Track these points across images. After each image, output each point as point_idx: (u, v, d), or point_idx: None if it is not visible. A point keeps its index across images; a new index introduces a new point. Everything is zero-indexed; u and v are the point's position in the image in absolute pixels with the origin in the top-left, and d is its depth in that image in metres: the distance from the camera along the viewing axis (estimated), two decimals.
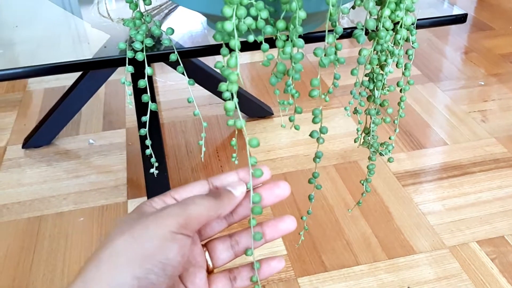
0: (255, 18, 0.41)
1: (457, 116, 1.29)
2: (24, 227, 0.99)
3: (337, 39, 0.45)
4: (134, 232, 0.34)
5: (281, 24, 0.43)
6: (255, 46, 0.45)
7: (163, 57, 0.57)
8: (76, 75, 1.21)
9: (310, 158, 1.15)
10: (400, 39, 0.50)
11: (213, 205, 0.36)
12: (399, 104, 0.56)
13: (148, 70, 0.51)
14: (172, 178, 1.10)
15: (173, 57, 0.52)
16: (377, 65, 0.51)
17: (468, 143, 1.19)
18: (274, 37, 0.44)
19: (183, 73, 0.52)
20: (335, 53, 0.45)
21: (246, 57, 1.58)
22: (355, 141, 0.57)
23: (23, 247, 0.95)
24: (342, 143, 1.19)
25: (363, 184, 0.60)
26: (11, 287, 0.87)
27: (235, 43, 0.39)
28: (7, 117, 1.35)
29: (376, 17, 0.48)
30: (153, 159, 0.57)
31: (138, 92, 0.85)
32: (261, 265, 0.40)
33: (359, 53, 0.48)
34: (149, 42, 0.52)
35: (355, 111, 0.55)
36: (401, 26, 0.49)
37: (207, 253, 0.40)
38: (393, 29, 0.49)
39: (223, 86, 0.38)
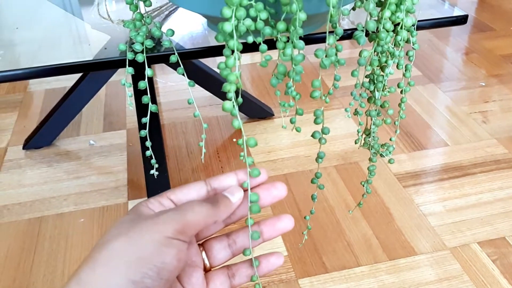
0: (255, 19, 0.41)
1: (457, 117, 1.29)
2: (25, 228, 0.99)
3: (337, 40, 0.45)
4: (130, 235, 0.34)
5: (281, 25, 0.43)
6: (256, 47, 0.45)
7: (163, 59, 0.57)
8: (76, 76, 1.21)
9: (310, 159, 1.15)
10: (401, 40, 0.49)
11: (211, 212, 0.36)
12: (399, 105, 0.55)
13: (148, 72, 0.51)
14: (172, 179, 1.10)
15: (173, 58, 0.52)
16: (377, 66, 0.51)
17: (469, 144, 1.19)
18: (274, 39, 0.44)
19: (183, 75, 0.52)
20: (336, 55, 0.45)
21: (246, 58, 1.58)
22: (355, 142, 0.57)
23: (24, 248, 0.95)
24: (342, 144, 1.19)
25: (363, 185, 0.60)
26: None
27: (234, 43, 0.39)
28: (7, 118, 1.35)
29: (376, 18, 0.48)
30: (153, 161, 0.57)
31: (138, 94, 0.85)
32: (260, 262, 0.40)
33: (360, 55, 0.48)
34: (149, 43, 0.52)
35: (356, 112, 0.55)
36: (401, 28, 0.49)
37: (203, 252, 0.40)
38: (393, 31, 0.49)
39: (227, 86, 0.38)
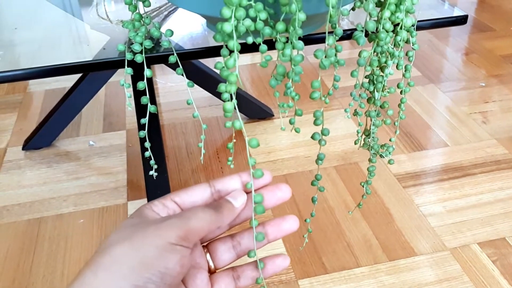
0: (254, 20, 0.41)
1: (457, 117, 1.29)
2: (24, 229, 0.99)
3: (337, 40, 0.45)
4: (133, 240, 0.34)
5: (280, 26, 0.42)
6: (255, 48, 0.45)
7: (163, 59, 0.57)
8: (76, 76, 1.21)
9: (310, 160, 1.14)
10: (400, 40, 0.49)
11: (214, 217, 0.36)
12: (399, 105, 0.55)
13: (147, 72, 0.51)
14: (172, 179, 1.10)
15: (172, 59, 0.52)
16: (377, 66, 0.51)
17: (469, 144, 1.19)
18: (274, 39, 0.44)
19: (182, 75, 0.52)
20: (335, 55, 0.45)
21: (246, 59, 1.58)
22: (355, 143, 0.57)
23: (23, 249, 0.95)
24: (342, 144, 1.19)
25: (363, 186, 0.60)
26: None
27: (234, 44, 0.39)
28: (7, 119, 1.35)
29: (376, 18, 0.48)
30: (152, 161, 0.57)
31: (137, 94, 0.85)
32: (266, 263, 0.40)
33: (359, 55, 0.47)
34: (148, 44, 0.52)
35: (355, 113, 0.55)
36: (401, 28, 0.49)
37: (208, 254, 0.40)
38: (393, 31, 0.49)
39: (222, 87, 0.38)
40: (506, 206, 1.01)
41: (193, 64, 1.15)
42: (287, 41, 0.43)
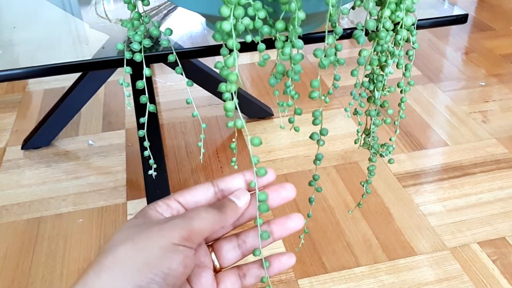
0: (253, 18, 0.41)
1: (457, 116, 1.29)
2: (23, 228, 0.99)
3: (337, 40, 0.45)
4: (136, 241, 0.34)
5: (280, 24, 0.42)
6: (255, 47, 0.44)
7: (162, 58, 0.57)
8: (75, 76, 1.21)
9: (310, 159, 1.14)
10: (401, 39, 0.49)
11: (217, 217, 0.36)
12: (399, 105, 0.55)
13: (146, 71, 0.51)
14: (171, 179, 1.09)
15: (171, 58, 0.52)
16: (377, 66, 0.51)
17: (469, 144, 1.19)
18: (273, 38, 0.43)
19: (182, 74, 0.52)
20: (335, 54, 0.45)
21: (246, 58, 1.58)
22: (355, 142, 0.57)
23: (22, 249, 0.95)
24: (342, 144, 1.19)
25: (363, 185, 0.60)
26: None
27: (233, 43, 0.39)
28: (6, 118, 1.35)
29: (376, 17, 0.48)
30: (151, 161, 0.57)
31: (137, 93, 0.85)
32: (272, 262, 0.40)
33: (359, 54, 0.47)
34: (147, 42, 0.52)
35: (355, 112, 0.55)
36: (401, 27, 0.49)
37: (213, 253, 0.40)
38: (393, 30, 0.49)
39: (222, 86, 0.37)
40: (506, 205, 1.01)
41: (192, 63, 1.15)
42: (286, 40, 0.43)
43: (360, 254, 0.91)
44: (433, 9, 0.69)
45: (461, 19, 0.66)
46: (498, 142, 1.18)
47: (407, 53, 0.52)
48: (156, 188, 0.96)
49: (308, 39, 0.54)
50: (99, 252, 0.34)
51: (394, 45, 0.50)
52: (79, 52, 0.65)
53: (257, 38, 0.43)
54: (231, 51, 0.39)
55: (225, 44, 0.41)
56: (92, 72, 1.12)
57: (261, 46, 0.43)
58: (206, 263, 0.39)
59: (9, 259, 0.92)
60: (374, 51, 0.49)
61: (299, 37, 0.42)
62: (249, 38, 0.42)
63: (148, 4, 0.52)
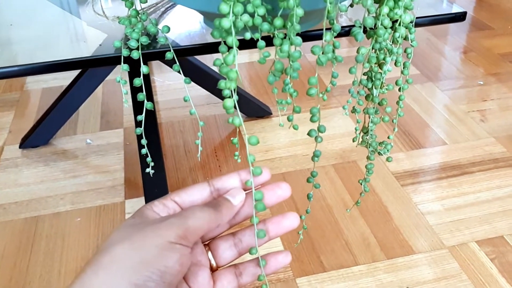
0: (252, 15, 0.41)
1: (456, 115, 1.29)
2: (21, 227, 0.99)
3: (335, 37, 0.45)
4: (133, 240, 0.34)
5: (278, 21, 0.42)
6: (253, 44, 0.44)
7: (159, 56, 0.57)
8: (73, 74, 1.21)
9: (308, 158, 1.14)
10: (399, 37, 0.49)
11: (213, 216, 0.37)
12: (397, 103, 0.55)
13: (143, 69, 0.51)
14: (170, 178, 1.09)
15: (169, 55, 0.52)
16: (375, 63, 0.50)
17: (467, 142, 1.19)
18: (271, 35, 0.43)
19: (179, 72, 0.52)
20: (333, 51, 0.45)
21: (244, 57, 1.58)
22: (353, 141, 0.57)
23: (20, 248, 0.94)
24: (340, 143, 1.19)
25: (361, 184, 0.60)
26: (8, 287, 0.87)
27: (233, 40, 0.38)
28: (4, 117, 1.34)
29: (374, 15, 0.47)
30: (149, 159, 0.57)
31: (134, 91, 0.85)
32: (268, 260, 0.40)
33: (357, 52, 0.47)
34: (144, 40, 0.51)
35: (354, 110, 0.55)
36: (399, 24, 0.48)
37: (209, 252, 0.40)
38: (391, 27, 0.48)
39: (222, 83, 0.37)
40: (504, 204, 1.01)
41: (190, 61, 1.14)
42: (285, 37, 0.43)
43: (358, 252, 0.91)
44: (431, 8, 0.69)
45: (459, 17, 0.66)
46: (496, 141, 1.19)
47: (405, 51, 0.52)
48: (154, 187, 0.96)
49: (307, 36, 0.54)
50: (96, 251, 0.34)
51: (392, 42, 0.50)
52: (77, 50, 0.65)
53: (257, 35, 0.42)
54: (230, 48, 0.39)
55: (224, 42, 0.40)
56: (90, 70, 1.12)
57: (261, 43, 0.43)
58: (203, 261, 0.39)
59: (7, 258, 0.92)
60: (372, 48, 0.49)
61: (298, 34, 0.42)
62: (248, 35, 0.42)
63: (146, 2, 0.52)
